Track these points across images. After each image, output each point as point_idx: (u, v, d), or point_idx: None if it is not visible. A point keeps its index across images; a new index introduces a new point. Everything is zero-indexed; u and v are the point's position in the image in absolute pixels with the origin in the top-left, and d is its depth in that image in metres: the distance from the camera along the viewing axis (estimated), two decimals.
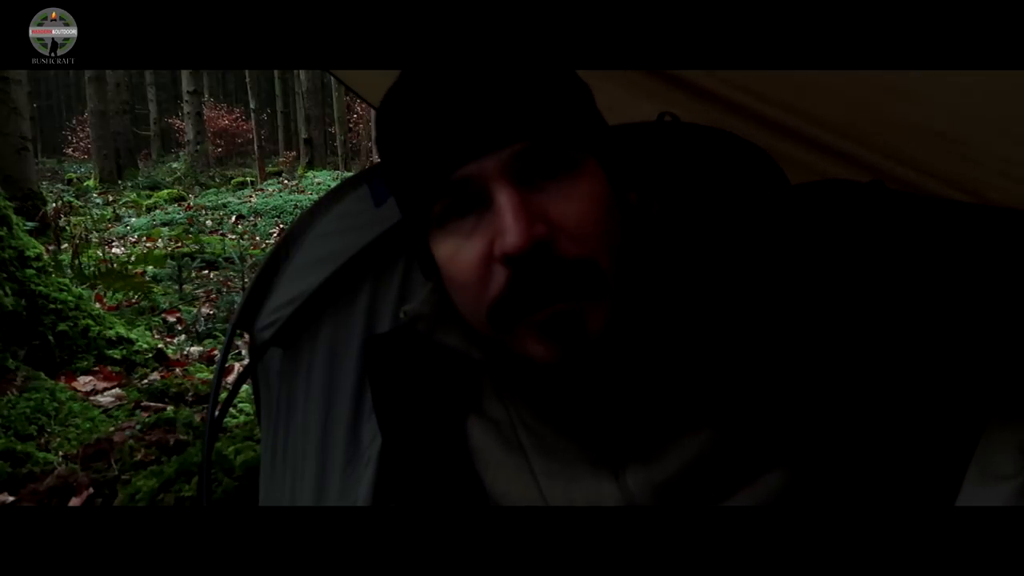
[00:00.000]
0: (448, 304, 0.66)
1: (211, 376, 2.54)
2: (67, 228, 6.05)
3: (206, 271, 5.39)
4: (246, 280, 4.59)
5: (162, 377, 2.53)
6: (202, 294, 4.47)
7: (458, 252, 0.59)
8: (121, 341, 2.68)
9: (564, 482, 0.66)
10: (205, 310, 3.93)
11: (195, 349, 3.17)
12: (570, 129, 0.58)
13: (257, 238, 6.97)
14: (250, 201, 9.27)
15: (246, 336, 1.10)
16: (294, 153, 17.84)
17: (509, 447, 0.69)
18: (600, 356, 0.60)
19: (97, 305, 3.19)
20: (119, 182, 13.11)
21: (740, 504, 0.62)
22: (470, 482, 0.70)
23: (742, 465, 0.62)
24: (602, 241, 0.58)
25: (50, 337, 2.50)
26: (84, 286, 3.77)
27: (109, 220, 8.34)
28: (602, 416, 0.65)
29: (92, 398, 2.30)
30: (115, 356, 2.62)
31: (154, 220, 8.03)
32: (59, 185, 12.39)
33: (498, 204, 0.55)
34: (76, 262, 4.61)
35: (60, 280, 2.67)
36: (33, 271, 2.53)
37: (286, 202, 8.78)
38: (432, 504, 0.72)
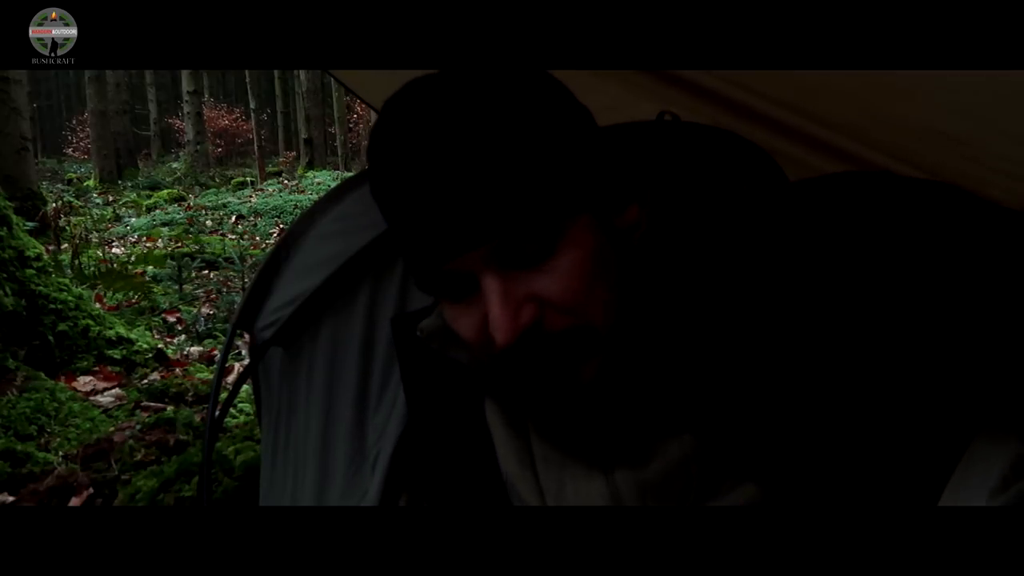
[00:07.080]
0: None
1: (211, 376, 2.54)
2: (67, 228, 6.04)
3: (206, 271, 5.39)
4: (246, 280, 4.59)
5: (162, 377, 2.53)
6: (202, 294, 4.47)
7: (458, 319, 0.63)
8: (121, 341, 2.68)
9: (558, 469, 0.70)
10: (205, 310, 3.93)
11: (195, 349, 3.16)
12: (541, 219, 0.57)
13: (257, 238, 6.97)
14: (250, 201, 9.26)
15: (246, 336, 1.10)
16: (294, 153, 17.82)
17: (516, 429, 0.74)
18: (595, 391, 0.64)
19: (97, 305, 3.19)
20: (119, 182, 13.11)
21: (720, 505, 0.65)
22: (490, 457, 0.76)
23: (721, 470, 0.65)
24: (594, 302, 0.60)
25: (50, 337, 2.50)
26: (84, 286, 3.76)
27: (109, 220, 8.33)
28: (595, 425, 0.69)
29: (92, 398, 2.30)
30: (115, 356, 2.62)
31: (154, 220, 8.02)
32: (59, 185, 12.39)
33: (485, 293, 0.58)
34: (76, 262, 4.61)
35: (60, 280, 2.67)
36: (33, 271, 2.53)
37: (286, 202, 8.77)
38: (454, 483, 0.78)
